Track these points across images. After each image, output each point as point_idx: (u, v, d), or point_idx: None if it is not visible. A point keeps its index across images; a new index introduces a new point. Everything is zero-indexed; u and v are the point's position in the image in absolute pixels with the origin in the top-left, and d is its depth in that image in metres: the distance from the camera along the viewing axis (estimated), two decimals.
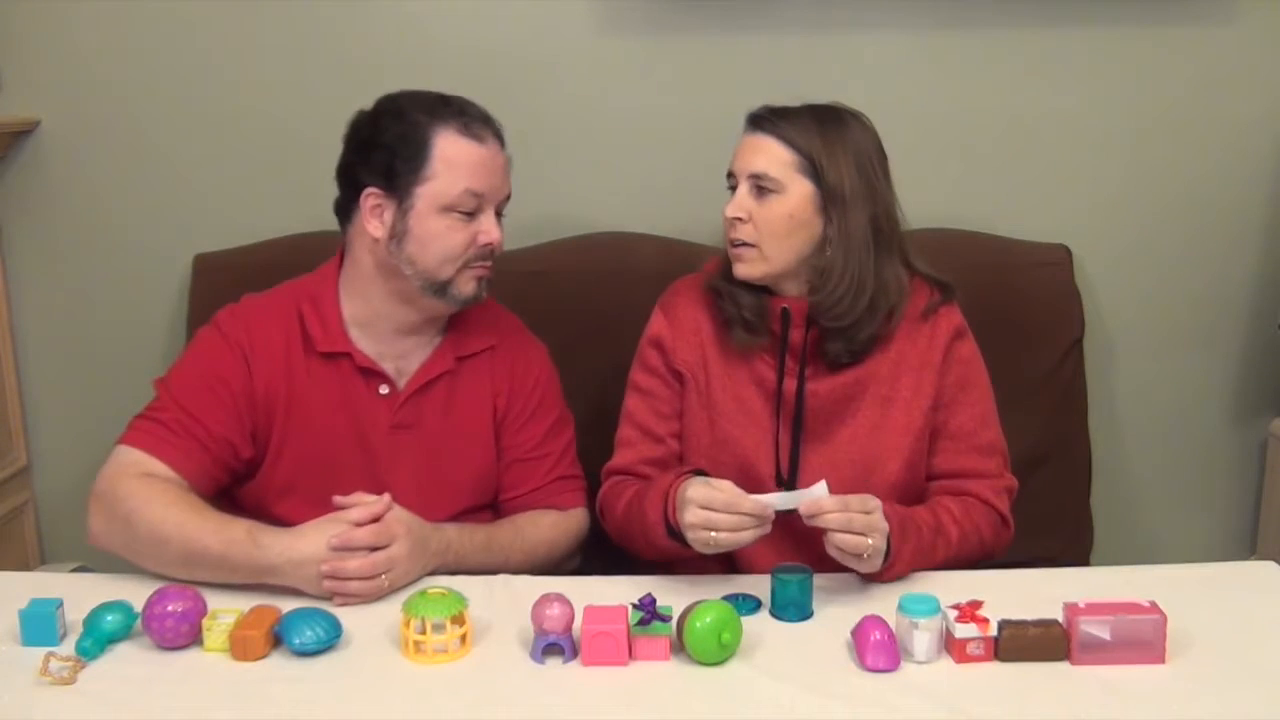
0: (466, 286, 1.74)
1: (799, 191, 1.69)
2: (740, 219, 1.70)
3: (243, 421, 1.73)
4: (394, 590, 1.59)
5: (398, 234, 1.71)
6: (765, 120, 1.72)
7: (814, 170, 1.68)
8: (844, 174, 1.68)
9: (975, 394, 1.78)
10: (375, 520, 1.59)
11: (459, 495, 1.80)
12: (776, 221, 1.69)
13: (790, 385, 1.75)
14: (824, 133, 1.69)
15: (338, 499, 1.62)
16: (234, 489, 1.77)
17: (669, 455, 1.82)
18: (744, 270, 1.73)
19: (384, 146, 1.70)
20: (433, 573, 1.66)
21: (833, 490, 1.54)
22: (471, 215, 1.71)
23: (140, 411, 1.73)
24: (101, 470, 1.68)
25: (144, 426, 1.70)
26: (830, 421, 1.75)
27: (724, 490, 1.55)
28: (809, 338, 1.73)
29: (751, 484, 1.61)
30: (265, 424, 1.75)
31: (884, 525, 1.56)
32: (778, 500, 1.54)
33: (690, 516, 1.54)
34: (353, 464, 1.76)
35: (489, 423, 1.84)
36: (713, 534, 1.53)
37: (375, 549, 1.58)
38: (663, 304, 1.86)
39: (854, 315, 1.69)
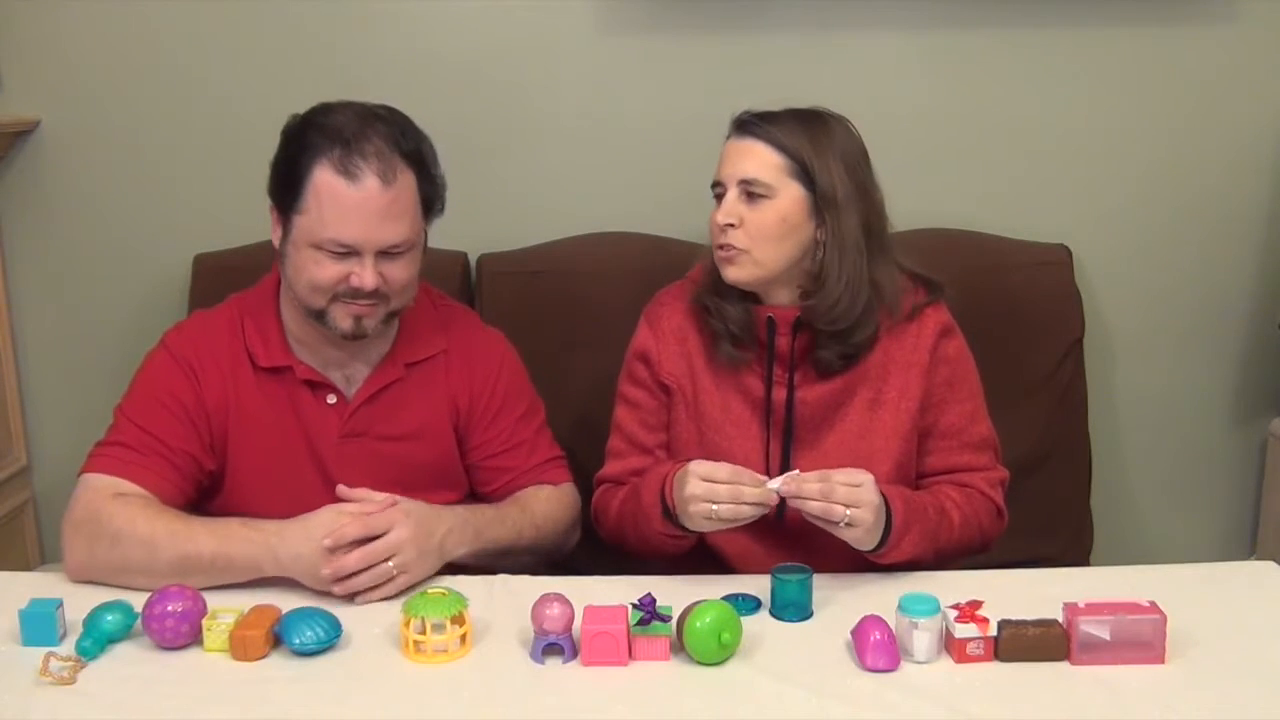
0: (343, 321, 1.67)
1: (790, 195, 1.67)
2: (731, 224, 1.68)
3: (200, 435, 1.73)
4: (418, 580, 1.59)
5: (282, 254, 1.70)
6: (751, 124, 1.70)
7: (805, 174, 1.67)
8: (835, 176, 1.67)
9: (964, 390, 1.77)
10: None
11: (421, 496, 1.74)
12: (769, 226, 1.67)
13: (779, 394, 1.74)
14: (812, 136, 1.68)
15: (342, 489, 1.62)
16: (203, 505, 1.76)
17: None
18: (734, 273, 1.70)
19: (280, 165, 1.68)
20: (450, 564, 1.65)
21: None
22: (344, 256, 1.64)
23: (100, 439, 1.71)
24: (73, 502, 1.64)
25: (107, 452, 1.69)
26: (819, 428, 1.74)
27: (727, 467, 1.57)
28: (796, 345, 1.72)
29: None
30: (221, 436, 1.75)
31: (873, 498, 1.56)
32: (777, 483, 1.56)
33: (692, 487, 1.55)
34: (306, 475, 1.74)
35: (447, 421, 1.82)
36: (714, 506, 1.54)
37: (373, 538, 1.57)
38: (648, 315, 1.84)
39: (851, 318, 1.69)
